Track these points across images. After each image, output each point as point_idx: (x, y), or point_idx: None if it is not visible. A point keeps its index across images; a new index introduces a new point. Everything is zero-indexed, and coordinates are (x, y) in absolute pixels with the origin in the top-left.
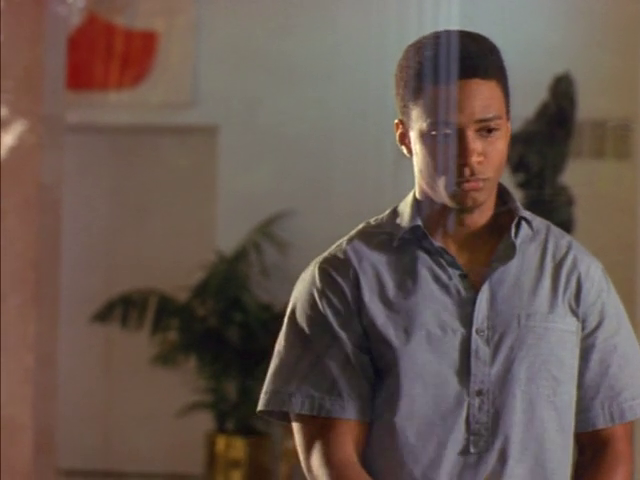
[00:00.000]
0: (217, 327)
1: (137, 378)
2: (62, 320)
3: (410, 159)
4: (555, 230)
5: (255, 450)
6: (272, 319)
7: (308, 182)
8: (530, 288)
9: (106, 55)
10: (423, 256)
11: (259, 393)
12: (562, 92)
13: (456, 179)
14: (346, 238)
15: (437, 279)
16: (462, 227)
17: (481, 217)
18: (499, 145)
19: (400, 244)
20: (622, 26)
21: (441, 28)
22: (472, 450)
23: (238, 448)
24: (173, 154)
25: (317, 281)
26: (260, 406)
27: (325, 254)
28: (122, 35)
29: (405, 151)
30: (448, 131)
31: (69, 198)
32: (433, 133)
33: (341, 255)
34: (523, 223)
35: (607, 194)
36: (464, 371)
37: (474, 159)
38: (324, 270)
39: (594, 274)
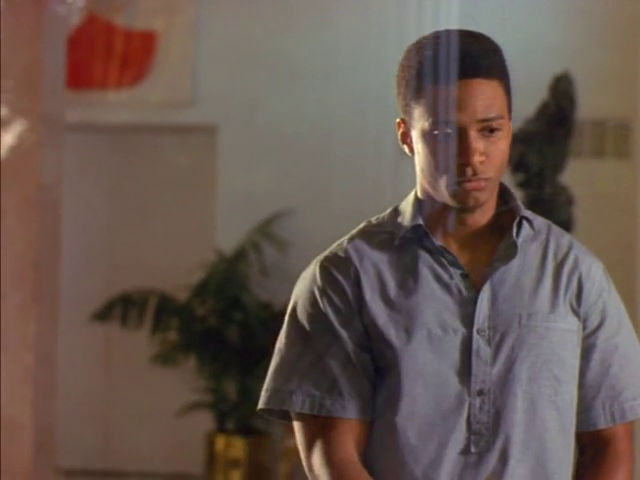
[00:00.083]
0: (217, 327)
1: (137, 378)
2: (62, 319)
3: (411, 158)
4: (556, 230)
5: (255, 450)
6: (272, 318)
7: (308, 182)
8: (531, 288)
9: (106, 54)
10: (424, 255)
11: (259, 392)
12: (562, 91)
13: (458, 179)
14: (347, 237)
15: (438, 278)
16: (463, 226)
17: (482, 217)
18: (501, 145)
19: (401, 243)
20: (622, 26)
21: (441, 28)
22: (473, 450)
23: (238, 448)
24: (173, 153)
25: (318, 279)
26: (260, 404)
27: (326, 253)
28: (122, 34)
29: (407, 150)
30: (450, 130)
31: (69, 197)
32: (435, 132)
33: (342, 254)
34: (524, 223)
35: (607, 194)
36: (465, 371)
37: (476, 159)
38: (325, 268)
39: (595, 274)
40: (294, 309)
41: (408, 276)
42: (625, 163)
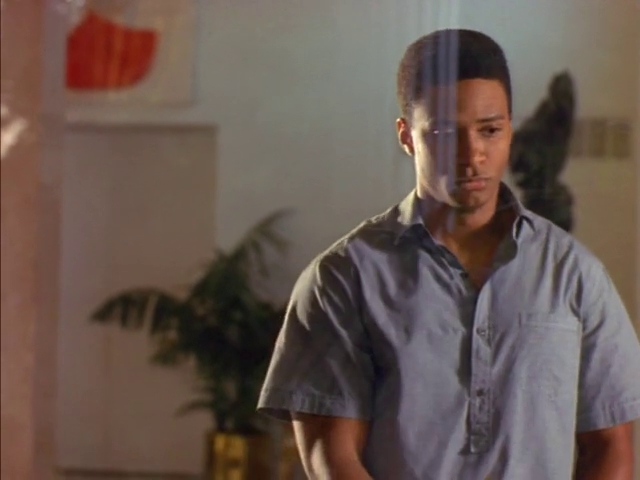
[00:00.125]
0: (217, 326)
1: (137, 377)
2: (62, 319)
3: (411, 158)
4: (556, 230)
5: (254, 449)
6: (272, 318)
7: (307, 181)
8: (531, 288)
9: (105, 54)
10: (424, 255)
11: (259, 392)
12: (561, 91)
13: (458, 178)
14: (347, 236)
15: (438, 278)
16: (463, 226)
17: (482, 216)
18: (501, 145)
19: (401, 243)
20: (622, 25)
21: (441, 28)
22: (473, 450)
23: (237, 447)
24: (173, 153)
25: (318, 279)
26: (260, 403)
27: (326, 252)
28: (121, 34)
29: (407, 150)
30: (450, 130)
31: (69, 197)
32: (435, 132)
33: (342, 253)
34: (524, 222)
35: (607, 193)
36: (465, 371)
37: (476, 159)
38: (325, 268)
39: (595, 274)
40: (294, 308)
41: (408, 276)
42: (625, 163)
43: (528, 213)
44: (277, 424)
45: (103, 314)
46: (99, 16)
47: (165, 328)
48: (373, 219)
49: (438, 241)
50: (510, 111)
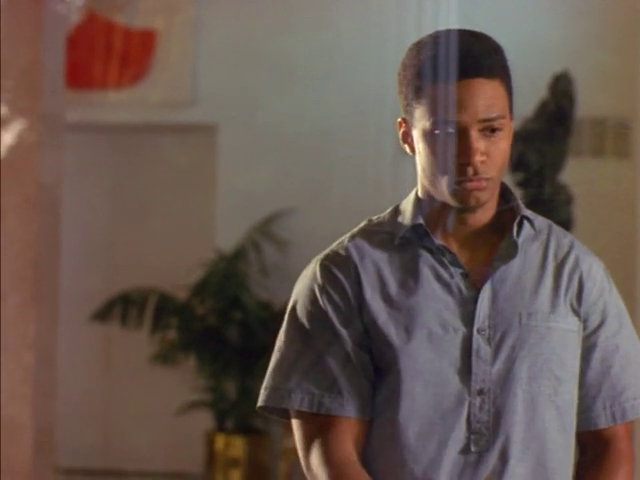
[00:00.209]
0: (216, 326)
1: (136, 377)
2: (62, 319)
3: (411, 158)
4: (557, 229)
5: (254, 449)
6: (272, 318)
7: (307, 181)
8: (532, 287)
9: (105, 54)
10: (425, 254)
11: (258, 392)
12: (561, 90)
13: (459, 178)
14: (348, 235)
15: (439, 278)
16: (464, 226)
17: (483, 216)
18: (502, 145)
19: (402, 242)
20: (621, 24)
21: (441, 28)
22: (473, 449)
23: (237, 447)
24: (173, 153)
25: (318, 277)
26: (260, 402)
27: (327, 251)
28: (121, 34)
29: (408, 149)
30: (451, 130)
31: (69, 197)
32: (436, 132)
33: (342, 252)
34: (525, 222)
35: (607, 193)
36: (465, 370)
37: (477, 158)
38: (325, 267)
39: (596, 274)
40: (294, 307)
41: (408, 275)
42: (625, 162)
43: (529, 213)
44: (277, 424)
45: (103, 314)
46: (99, 16)
47: (165, 328)
48: (374, 218)
49: (439, 241)
50: (511, 111)
